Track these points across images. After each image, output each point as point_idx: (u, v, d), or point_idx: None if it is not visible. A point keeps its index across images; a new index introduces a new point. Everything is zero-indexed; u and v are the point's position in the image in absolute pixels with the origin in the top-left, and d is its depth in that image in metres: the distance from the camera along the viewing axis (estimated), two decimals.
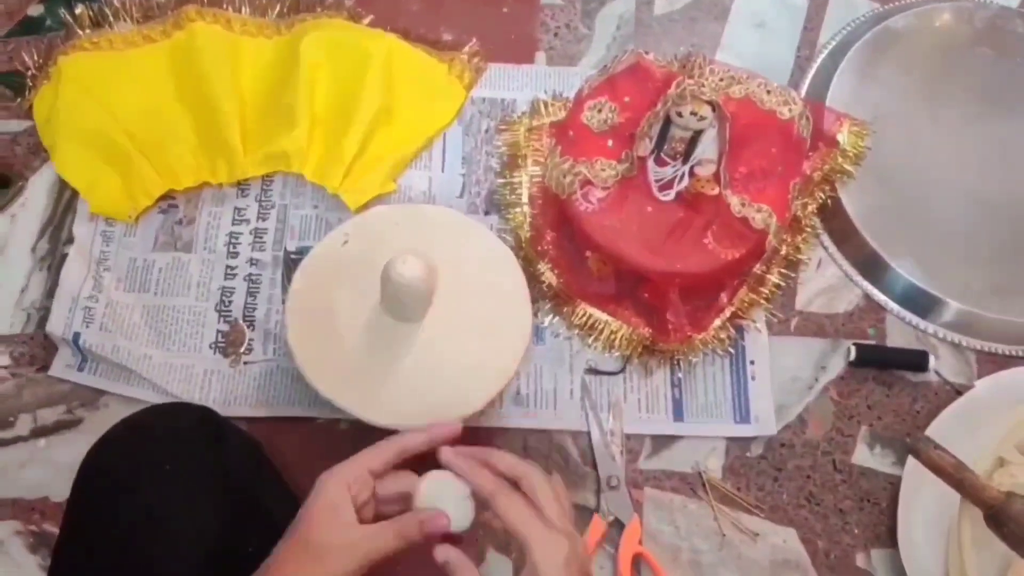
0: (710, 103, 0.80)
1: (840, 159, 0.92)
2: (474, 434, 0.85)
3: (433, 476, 0.63)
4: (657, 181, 0.83)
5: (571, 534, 0.59)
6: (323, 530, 0.59)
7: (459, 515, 0.62)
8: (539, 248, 0.89)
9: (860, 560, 0.82)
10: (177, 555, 0.64)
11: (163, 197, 0.92)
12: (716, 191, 0.81)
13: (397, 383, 0.78)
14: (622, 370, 0.87)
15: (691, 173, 0.82)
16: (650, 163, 0.84)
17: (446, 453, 0.64)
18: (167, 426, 0.70)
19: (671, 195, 0.82)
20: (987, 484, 0.73)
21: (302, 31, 0.96)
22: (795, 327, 0.90)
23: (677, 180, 0.82)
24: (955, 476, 0.73)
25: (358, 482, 0.62)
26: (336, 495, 0.61)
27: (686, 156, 0.82)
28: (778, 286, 0.90)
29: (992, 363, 0.88)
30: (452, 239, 0.84)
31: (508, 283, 0.82)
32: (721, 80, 0.86)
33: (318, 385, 0.78)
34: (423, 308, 0.78)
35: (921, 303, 0.90)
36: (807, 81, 0.99)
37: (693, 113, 0.80)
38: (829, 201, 0.92)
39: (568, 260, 0.88)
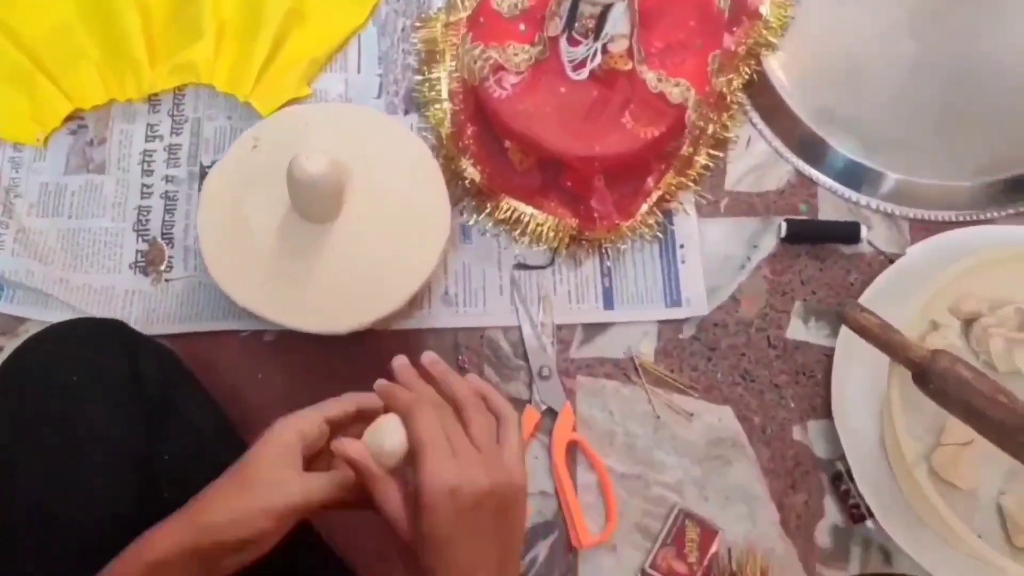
0: None
1: (764, 31, 0.89)
2: (405, 336, 0.84)
3: (381, 416, 0.59)
4: (571, 61, 0.81)
5: (494, 470, 0.54)
6: (261, 466, 0.57)
7: (396, 443, 0.57)
8: (460, 144, 0.87)
9: (796, 433, 0.82)
10: (93, 462, 0.64)
11: (72, 118, 0.89)
12: (630, 66, 0.79)
13: (315, 285, 0.76)
14: (551, 263, 0.86)
15: (604, 50, 0.80)
16: (562, 43, 0.81)
17: (396, 366, 0.61)
18: (75, 338, 0.69)
19: (584, 74, 0.80)
20: (913, 343, 0.72)
21: None
22: (725, 207, 0.88)
23: (590, 58, 0.79)
24: (881, 337, 0.73)
25: (312, 430, 0.59)
26: (286, 438, 0.58)
27: (597, 32, 0.79)
28: (706, 167, 0.88)
29: (925, 230, 0.87)
30: (366, 137, 0.81)
31: (424, 178, 0.80)
32: None
33: (234, 294, 0.77)
34: (334, 206, 0.76)
35: (853, 175, 0.88)
36: None
37: None
38: (755, 76, 0.90)
39: (490, 154, 0.86)
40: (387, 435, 0.56)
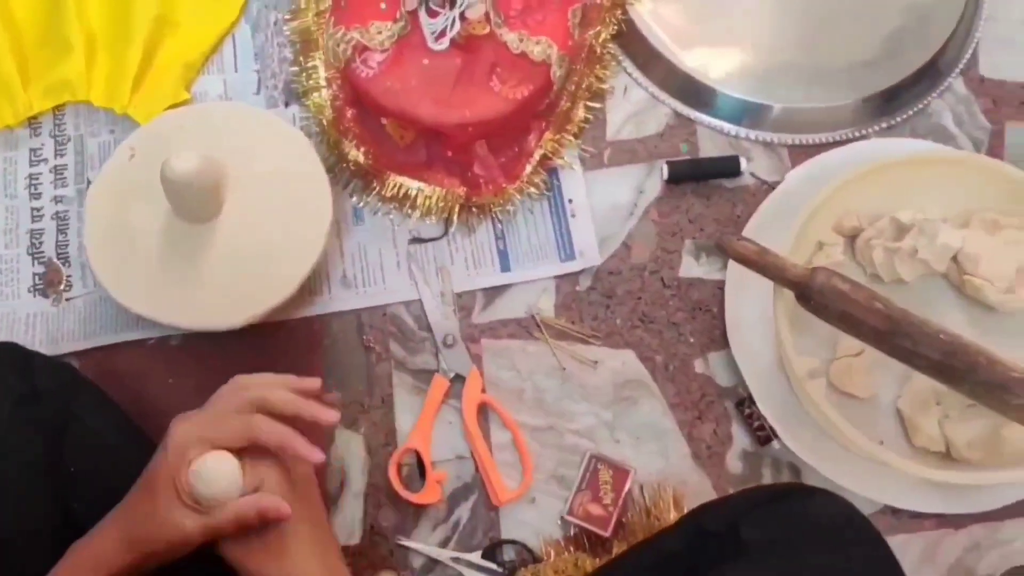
0: None
1: None
2: (309, 323, 0.85)
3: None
4: (432, 33, 0.82)
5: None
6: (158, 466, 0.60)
7: (231, 484, 0.58)
8: (342, 127, 0.88)
9: (698, 366, 0.84)
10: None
11: None
12: (487, 30, 0.80)
13: (204, 284, 0.77)
14: (445, 233, 0.87)
15: (463, 18, 0.81)
16: (421, 15, 0.82)
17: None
18: None
19: (445, 43, 0.81)
20: (790, 263, 0.74)
21: None
22: (608, 158, 0.90)
23: (449, 27, 0.81)
24: (760, 263, 0.75)
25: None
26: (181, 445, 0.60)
27: (452, 1, 0.80)
28: (586, 120, 0.90)
29: (804, 155, 0.89)
30: (243, 133, 0.82)
31: (304, 167, 0.81)
32: None
33: (127, 302, 0.78)
34: (213, 204, 0.77)
35: (731, 111, 0.90)
36: None
37: None
38: (623, 25, 0.91)
39: (371, 134, 0.87)
40: (232, 482, 0.58)
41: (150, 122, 0.84)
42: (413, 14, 0.82)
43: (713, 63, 0.90)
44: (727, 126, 0.90)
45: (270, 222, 0.78)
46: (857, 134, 0.90)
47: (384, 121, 0.85)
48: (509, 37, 0.81)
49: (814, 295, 0.73)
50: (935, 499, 0.80)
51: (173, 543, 0.58)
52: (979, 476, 0.75)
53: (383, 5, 0.84)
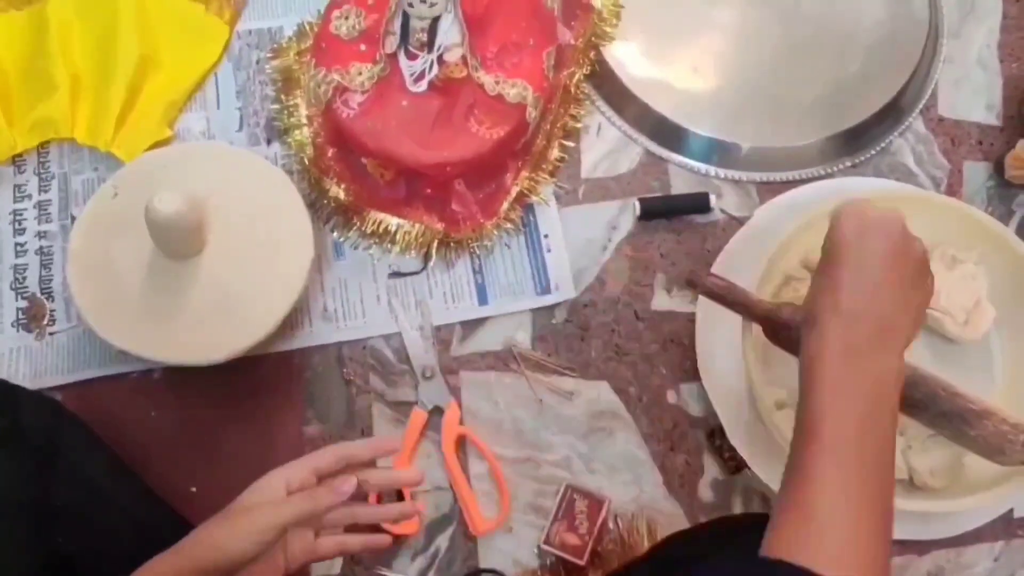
0: None
1: (599, 23, 0.93)
2: (290, 357, 0.87)
3: None
4: (411, 75, 0.84)
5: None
6: (244, 501, 0.66)
7: None
8: (322, 165, 0.90)
9: (671, 397, 0.86)
10: None
11: None
12: (464, 74, 0.83)
13: (187, 320, 0.79)
14: (424, 268, 0.89)
15: (441, 61, 0.84)
16: (401, 58, 0.84)
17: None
18: None
19: (423, 86, 0.83)
20: (758, 299, 0.77)
21: None
22: (583, 195, 0.92)
23: (427, 70, 0.83)
24: (728, 298, 0.77)
25: (296, 478, 0.67)
26: (272, 483, 0.67)
27: (430, 45, 0.83)
28: (561, 159, 0.92)
29: (772, 191, 0.92)
30: (223, 171, 0.84)
31: (285, 204, 0.83)
32: None
33: (111, 338, 0.79)
34: (195, 241, 0.79)
35: (701, 149, 0.93)
36: None
37: (423, 1, 0.80)
38: (597, 66, 0.94)
39: (352, 172, 0.89)
40: None
41: (133, 161, 0.86)
42: (392, 56, 0.85)
43: (683, 103, 0.93)
44: (698, 164, 0.93)
45: (252, 259, 0.80)
46: (823, 172, 0.93)
47: (365, 160, 0.87)
48: (486, 80, 0.84)
49: (781, 330, 0.75)
50: (899, 526, 0.82)
51: (234, 553, 0.63)
52: (941, 504, 0.77)
53: (363, 47, 0.86)
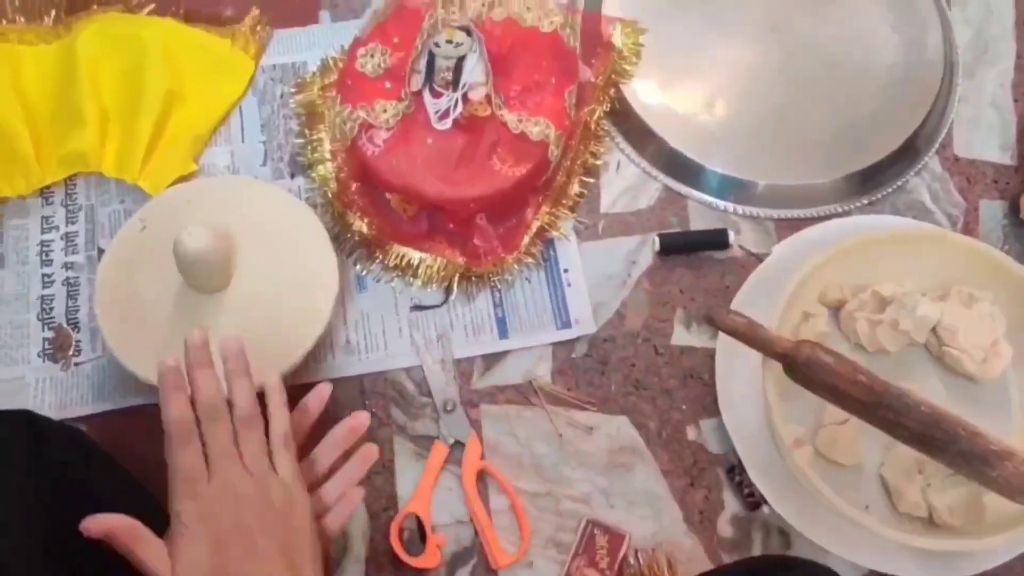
0: (464, 28, 0.82)
1: (619, 60, 0.95)
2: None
3: None
4: (435, 113, 0.86)
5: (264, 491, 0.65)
6: None
7: None
8: (346, 199, 0.91)
9: (691, 433, 0.87)
10: (6, 548, 0.66)
11: None
12: (488, 112, 0.84)
13: (212, 352, 0.80)
14: (445, 301, 0.90)
15: (465, 99, 0.85)
16: (426, 96, 0.86)
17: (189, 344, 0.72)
18: None
19: (448, 123, 0.85)
20: (777, 337, 0.78)
21: (79, 30, 0.96)
22: (603, 229, 0.93)
23: (452, 108, 0.85)
24: (748, 335, 0.78)
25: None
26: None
27: (455, 83, 0.84)
28: (580, 194, 0.94)
29: (790, 228, 0.93)
30: (248, 205, 0.85)
31: (310, 238, 0.84)
32: (483, 5, 0.88)
33: (137, 370, 0.80)
34: (223, 275, 0.80)
35: (719, 186, 0.94)
36: None
37: (449, 41, 0.82)
38: (617, 104, 0.96)
39: (375, 206, 0.91)
40: None
41: (160, 195, 0.87)
42: (417, 94, 0.86)
43: (700, 140, 0.95)
44: (716, 201, 0.95)
45: (278, 292, 0.81)
46: (840, 209, 0.94)
47: (388, 195, 0.88)
48: (509, 118, 0.85)
49: (800, 368, 0.76)
50: (918, 564, 0.82)
51: None
52: (958, 543, 0.77)
53: (388, 84, 0.88)
